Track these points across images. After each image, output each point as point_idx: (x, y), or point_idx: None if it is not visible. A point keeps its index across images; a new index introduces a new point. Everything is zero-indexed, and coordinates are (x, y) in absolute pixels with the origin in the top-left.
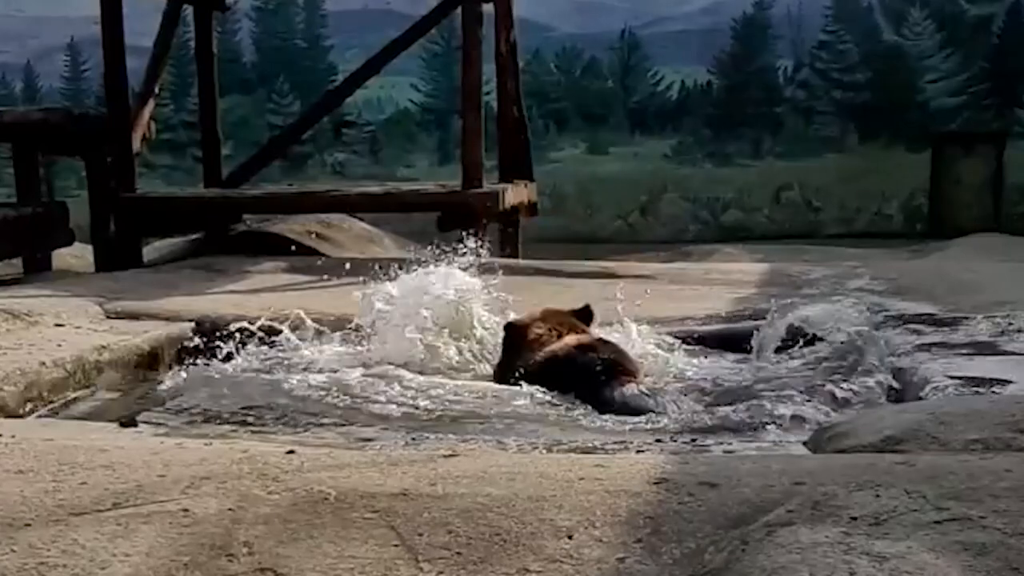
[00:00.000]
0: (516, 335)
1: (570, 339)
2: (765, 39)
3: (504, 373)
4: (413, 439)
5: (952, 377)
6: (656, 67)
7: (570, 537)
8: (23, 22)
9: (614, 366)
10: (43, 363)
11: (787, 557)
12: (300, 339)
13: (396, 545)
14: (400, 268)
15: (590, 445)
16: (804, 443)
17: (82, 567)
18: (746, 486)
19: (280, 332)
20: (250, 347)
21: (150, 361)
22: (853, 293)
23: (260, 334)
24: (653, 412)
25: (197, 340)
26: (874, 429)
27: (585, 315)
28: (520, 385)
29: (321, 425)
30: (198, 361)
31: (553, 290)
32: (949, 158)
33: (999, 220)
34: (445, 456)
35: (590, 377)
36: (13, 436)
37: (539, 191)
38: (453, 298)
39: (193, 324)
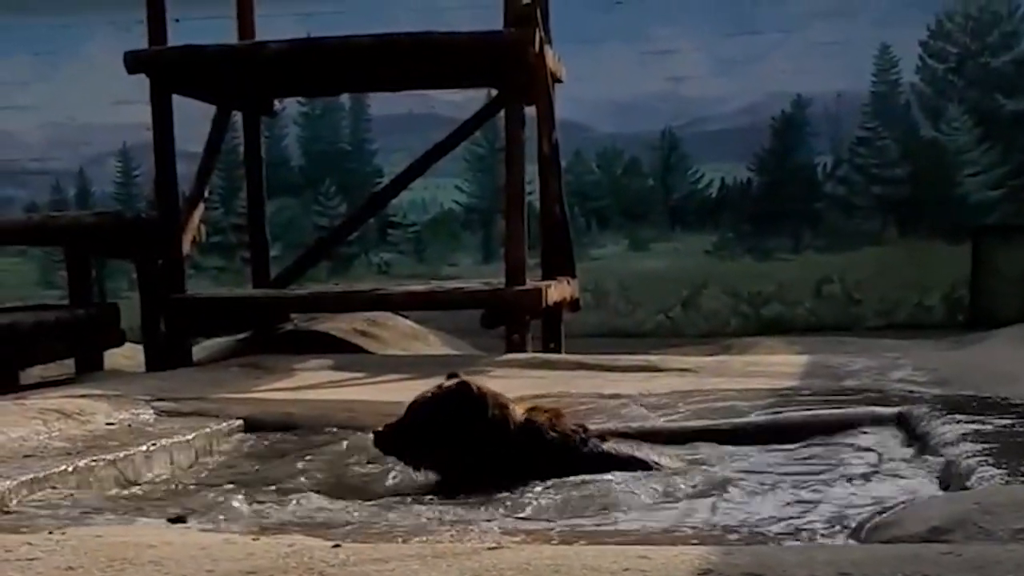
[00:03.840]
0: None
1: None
2: (803, 136)
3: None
4: (458, 531)
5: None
6: (696, 165)
7: None
8: (75, 130)
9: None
10: (95, 460)
11: None
12: None
13: None
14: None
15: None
16: (849, 534)
17: None
18: None
19: None
20: None
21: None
22: (895, 384)
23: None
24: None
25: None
26: (920, 519)
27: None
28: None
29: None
30: None
31: (595, 383)
32: (989, 250)
33: None
34: (489, 548)
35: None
36: (63, 533)
37: (581, 287)
38: None
39: (241, 421)
